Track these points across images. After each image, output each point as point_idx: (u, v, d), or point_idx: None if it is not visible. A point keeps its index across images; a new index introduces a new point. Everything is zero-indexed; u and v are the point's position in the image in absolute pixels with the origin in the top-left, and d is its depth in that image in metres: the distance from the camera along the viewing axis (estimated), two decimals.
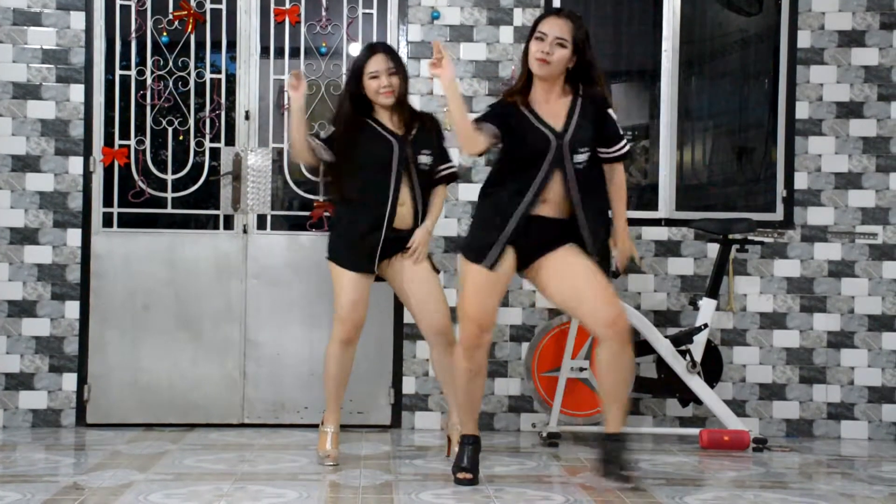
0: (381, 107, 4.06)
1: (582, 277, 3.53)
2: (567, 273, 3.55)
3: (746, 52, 5.26)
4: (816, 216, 4.99)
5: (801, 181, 4.99)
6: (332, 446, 4.05)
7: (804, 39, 4.98)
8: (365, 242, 3.99)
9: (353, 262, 4.01)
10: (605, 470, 3.60)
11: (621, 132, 3.68)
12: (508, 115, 3.60)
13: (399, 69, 4.05)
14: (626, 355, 3.53)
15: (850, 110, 4.99)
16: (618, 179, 3.72)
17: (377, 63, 4.00)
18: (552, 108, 3.59)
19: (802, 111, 4.99)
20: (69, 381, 4.83)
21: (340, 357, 4.04)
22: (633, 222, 4.72)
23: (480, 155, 3.79)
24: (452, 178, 4.23)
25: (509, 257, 3.60)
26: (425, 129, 4.10)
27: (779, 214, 5.01)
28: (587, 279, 3.52)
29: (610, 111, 3.63)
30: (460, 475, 3.66)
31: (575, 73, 3.58)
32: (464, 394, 3.68)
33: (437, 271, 4.16)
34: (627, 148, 3.70)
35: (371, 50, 4.07)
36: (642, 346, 4.55)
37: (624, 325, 3.51)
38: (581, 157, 3.55)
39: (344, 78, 4.95)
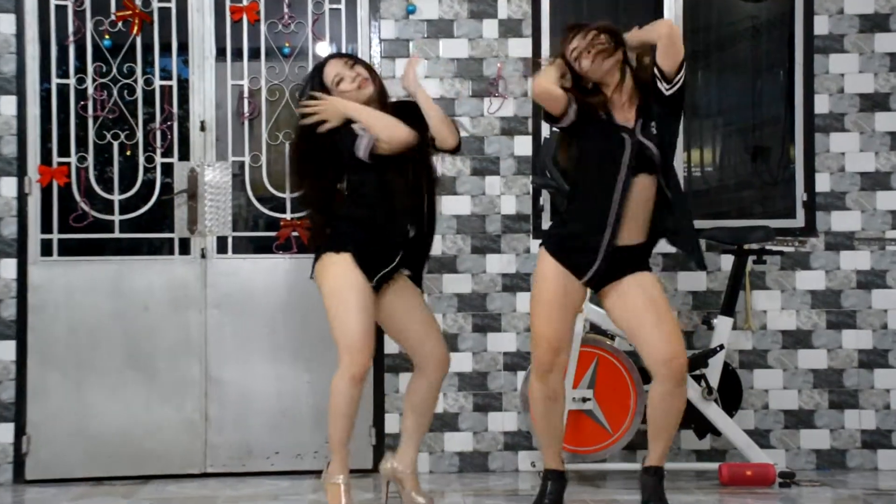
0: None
1: (647, 309, 3.57)
2: (633, 301, 3.60)
3: (758, 42, 5.13)
4: (841, 221, 4.81)
5: (822, 183, 4.82)
6: (346, 501, 3.68)
7: (822, 25, 4.81)
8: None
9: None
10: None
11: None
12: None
13: (357, 61, 3.82)
14: (680, 395, 3.59)
15: (874, 103, 4.81)
16: None
17: (333, 67, 3.76)
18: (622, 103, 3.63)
19: (822, 105, 4.81)
20: (5, 432, 4.58)
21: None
22: None
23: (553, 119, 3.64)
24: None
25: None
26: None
27: (799, 221, 4.84)
28: (651, 311, 3.57)
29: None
30: None
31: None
32: (543, 422, 3.73)
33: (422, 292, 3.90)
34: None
35: (322, 63, 3.82)
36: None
37: (679, 365, 3.56)
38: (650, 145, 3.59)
39: None
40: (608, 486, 4.32)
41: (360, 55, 4.66)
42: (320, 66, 3.81)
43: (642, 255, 3.65)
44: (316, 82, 3.76)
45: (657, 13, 4.79)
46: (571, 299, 3.63)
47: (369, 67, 3.80)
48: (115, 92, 4.67)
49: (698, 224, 4.63)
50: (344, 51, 4.74)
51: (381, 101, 3.77)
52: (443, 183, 4.64)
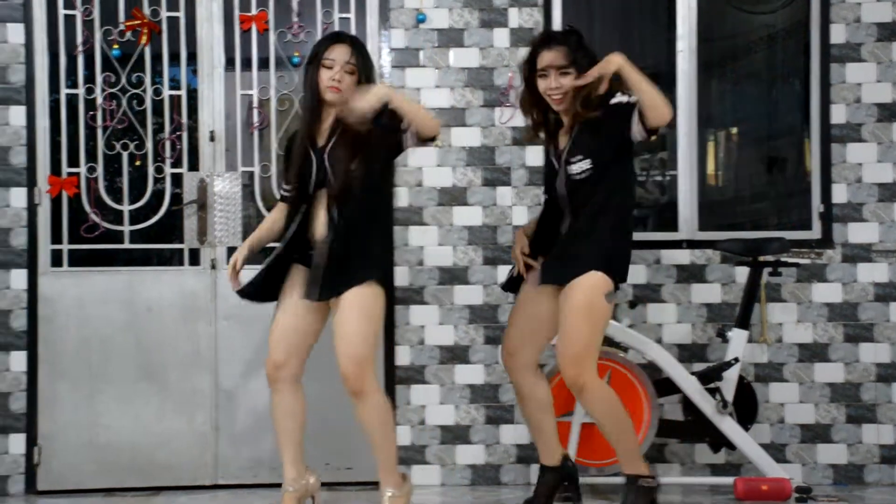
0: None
1: (562, 317, 3.67)
2: (562, 307, 3.68)
3: (773, 50, 5.07)
4: (858, 233, 4.72)
5: (839, 194, 4.73)
6: None
7: (838, 34, 4.72)
8: None
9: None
10: None
11: (626, 99, 3.55)
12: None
13: (359, 68, 3.60)
14: (587, 402, 3.70)
15: (892, 112, 4.72)
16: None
17: (336, 53, 3.60)
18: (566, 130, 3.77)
19: (839, 115, 4.72)
20: (16, 443, 4.53)
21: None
22: (650, 245, 4.69)
23: None
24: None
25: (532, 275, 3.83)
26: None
27: (816, 232, 4.76)
28: (563, 322, 3.66)
29: (615, 99, 3.56)
30: None
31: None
32: (524, 417, 3.98)
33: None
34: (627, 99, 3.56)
35: (333, 38, 3.67)
36: (666, 385, 4.37)
37: (567, 373, 3.65)
38: (576, 168, 3.63)
39: None
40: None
41: None
42: (330, 42, 3.62)
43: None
44: (313, 54, 3.63)
45: (671, 22, 4.71)
46: (534, 305, 3.76)
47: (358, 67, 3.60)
48: (124, 102, 4.61)
49: (712, 236, 4.69)
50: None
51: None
52: (452, 193, 4.63)
